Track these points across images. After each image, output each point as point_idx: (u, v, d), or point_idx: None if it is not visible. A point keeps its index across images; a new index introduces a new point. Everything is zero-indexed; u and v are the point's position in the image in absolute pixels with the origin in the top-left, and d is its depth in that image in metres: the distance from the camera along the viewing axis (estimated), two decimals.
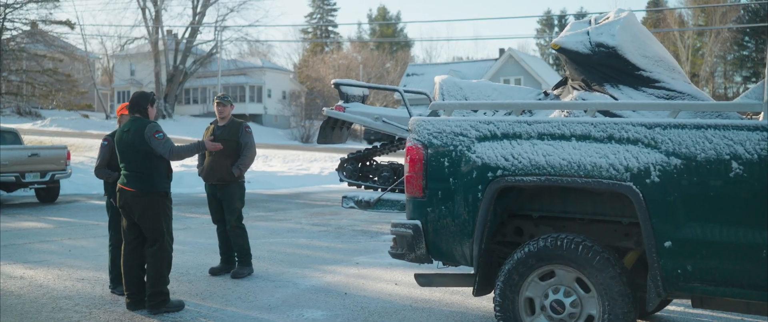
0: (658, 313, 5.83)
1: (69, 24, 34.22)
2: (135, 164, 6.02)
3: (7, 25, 29.45)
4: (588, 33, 5.00)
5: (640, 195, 4.06)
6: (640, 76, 4.86)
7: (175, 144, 6.14)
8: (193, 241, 9.94)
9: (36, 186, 15.30)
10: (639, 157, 4.10)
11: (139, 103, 6.17)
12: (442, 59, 73.43)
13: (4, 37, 29.09)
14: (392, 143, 6.51)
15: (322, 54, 66.22)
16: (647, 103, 4.53)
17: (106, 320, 5.81)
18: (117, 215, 6.69)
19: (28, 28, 32.01)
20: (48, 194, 15.71)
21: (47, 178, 15.06)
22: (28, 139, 19.03)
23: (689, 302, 5.13)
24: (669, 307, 6.03)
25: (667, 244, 4.03)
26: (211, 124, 7.78)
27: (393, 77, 58.56)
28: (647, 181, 4.06)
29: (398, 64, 64.33)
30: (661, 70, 4.91)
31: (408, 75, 53.05)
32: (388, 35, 75.94)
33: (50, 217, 12.98)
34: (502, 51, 51.64)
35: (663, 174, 4.03)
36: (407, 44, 77.06)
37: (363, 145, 27.28)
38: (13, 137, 16.06)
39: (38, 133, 35.66)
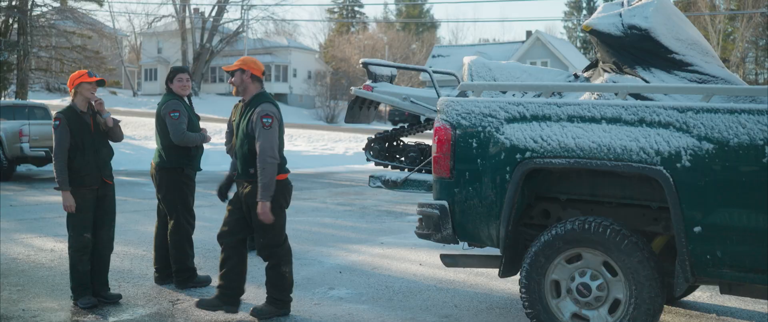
0: (685, 299, 5.79)
1: (98, 1, 34.42)
2: (157, 138, 6.18)
3: (37, 1, 29.68)
4: (620, 15, 4.93)
5: (671, 179, 4.03)
6: (673, 60, 4.80)
7: (188, 132, 6.03)
8: (220, 218, 10.00)
9: None
10: (670, 141, 4.06)
11: (167, 78, 6.21)
12: (468, 41, 72.99)
13: (33, 13, 29.31)
14: (419, 124, 6.50)
15: (347, 34, 66.07)
16: (680, 86, 4.48)
17: (135, 293, 5.91)
18: (78, 212, 5.47)
19: (57, 4, 32.23)
20: None
21: None
22: None
23: (717, 288, 5.10)
24: (695, 293, 5.99)
25: (697, 229, 3.99)
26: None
27: (419, 58, 58.31)
28: (678, 165, 4.02)
29: (424, 45, 64.05)
30: (694, 54, 4.84)
31: (433, 56, 52.81)
32: (414, 16, 75.51)
33: None
34: (529, 33, 51.17)
35: (694, 158, 3.99)
36: (433, 25, 76.54)
37: (387, 127, 27.29)
38: (43, 113, 16.26)
39: None
